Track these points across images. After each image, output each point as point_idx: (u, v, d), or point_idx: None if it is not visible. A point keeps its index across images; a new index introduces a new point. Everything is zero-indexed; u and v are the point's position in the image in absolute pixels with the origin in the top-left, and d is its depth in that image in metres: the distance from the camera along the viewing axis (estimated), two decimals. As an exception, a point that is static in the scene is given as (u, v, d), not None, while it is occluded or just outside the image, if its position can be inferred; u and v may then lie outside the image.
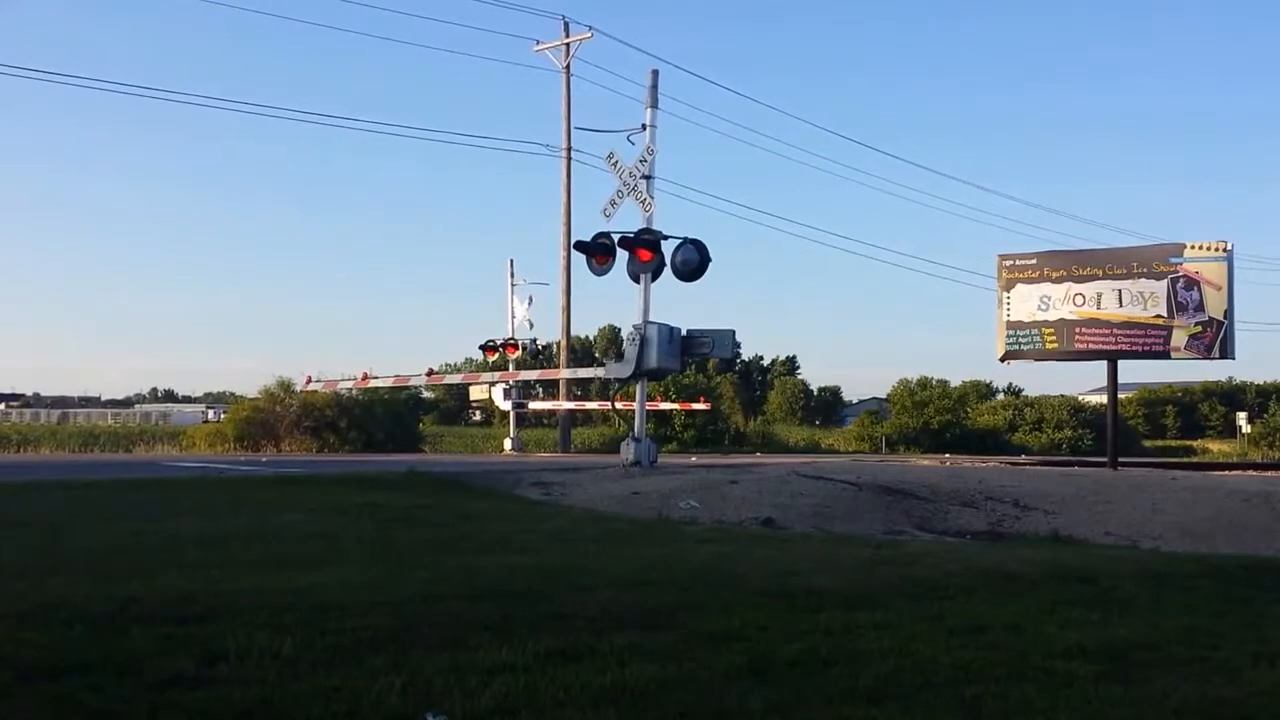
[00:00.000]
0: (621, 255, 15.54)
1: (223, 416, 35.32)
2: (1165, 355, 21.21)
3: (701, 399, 33.32)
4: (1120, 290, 21.26)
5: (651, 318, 15.18)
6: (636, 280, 15.37)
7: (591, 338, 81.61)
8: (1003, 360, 22.70)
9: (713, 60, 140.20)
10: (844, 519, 10.18)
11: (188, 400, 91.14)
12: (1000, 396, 68.27)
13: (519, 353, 26.30)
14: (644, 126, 15.81)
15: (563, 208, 29.38)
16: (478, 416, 52.82)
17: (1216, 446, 62.20)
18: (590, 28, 29.40)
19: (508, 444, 27.47)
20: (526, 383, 28.86)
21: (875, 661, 3.88)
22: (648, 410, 16.43)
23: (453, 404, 55.01)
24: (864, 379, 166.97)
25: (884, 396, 59.34)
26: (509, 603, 4.75)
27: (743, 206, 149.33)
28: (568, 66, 29.52)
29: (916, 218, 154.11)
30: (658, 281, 15.38)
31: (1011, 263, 22.55)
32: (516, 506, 10.21)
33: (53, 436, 32.37)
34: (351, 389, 26.45)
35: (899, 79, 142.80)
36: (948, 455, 33.69)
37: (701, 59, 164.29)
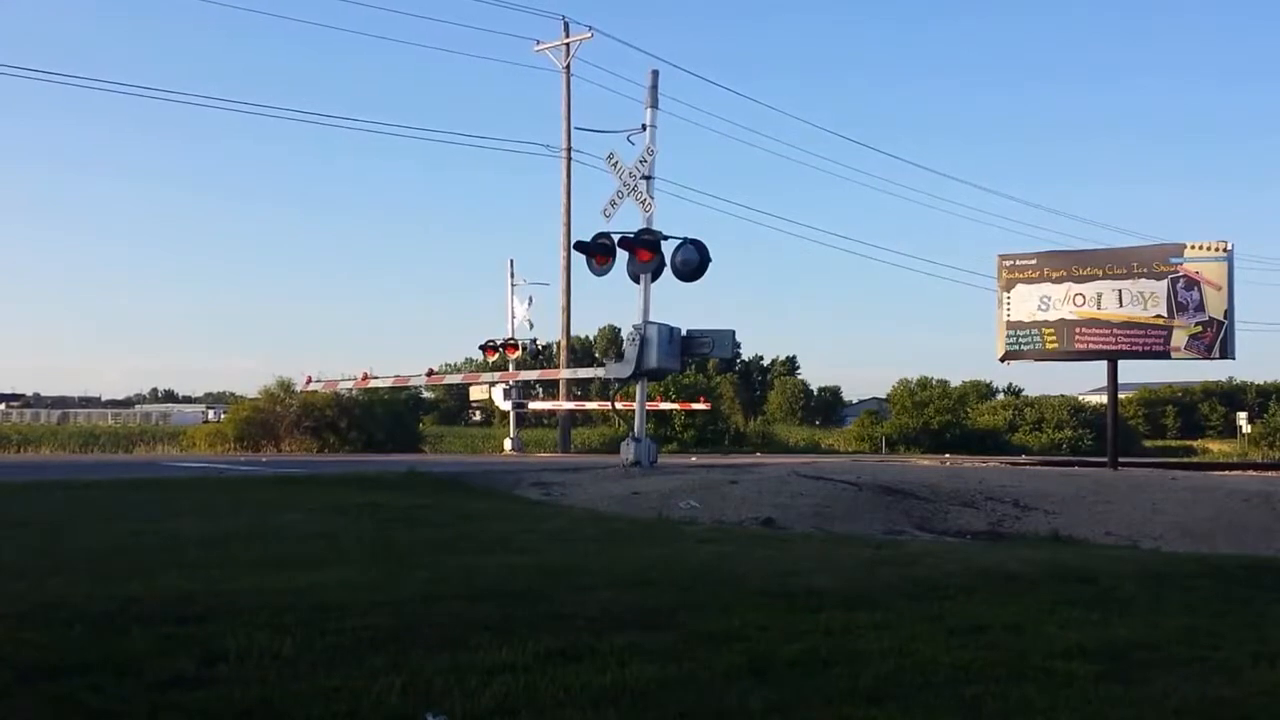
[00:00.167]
0: (621, 255, 15.54)
1: (223, 417, 35.33)
2: (1165, 355, 21.21)
3: (701, 399, 33.32)
4: (1120, 290, 21.26)
5: (651, 318, 15.18)
6: (636, 280, 15.37)
7: (591, 338, 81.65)
8: (1003, 360, 22.70)
9: (713, 60, 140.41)
10: (844, 519, 10.18)
11: (188, 400, 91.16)
12: (1000, 396, 68.27)
13: (519, 353, 26.28)
14: (644, 127, 15.81)
15: (563, 208, 29.41)
16: (478, 416, 52.84)
17: (1217, 446, 62.21)
18: (590, 28, 29.46)
19: (508, 444, 27.47)
20: (526, 383, 28.85)
21: (875, 661, 3.88)
22: (648, 410, 16.42)
23: (453, 404, 55.03)
24: (864, 379, 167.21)
25: (884, 396, 59.38)
26: (509, 603, 4.75)
27: (743, 206, 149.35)
28: (568, 67, 29.55)
29: (916, 218, 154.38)
30: (658, 281, 15.39)
31: (1011, 263, 22.56)
32: (516, 506, 10.20)
33: (53, 437, 32.40)
34: (351, 389, 26.45)
35: (899, 79, 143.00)
36: (948, 455, 33.69)
37: (701, 59, 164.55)
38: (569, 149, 29.28)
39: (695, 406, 32.75)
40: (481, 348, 27.37)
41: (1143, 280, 21.10)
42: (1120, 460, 21.75)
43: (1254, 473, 21.29)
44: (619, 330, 68.91)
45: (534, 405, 30.55)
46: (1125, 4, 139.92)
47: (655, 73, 16.13)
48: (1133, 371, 54.76)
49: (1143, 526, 10.35)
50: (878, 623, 4.55)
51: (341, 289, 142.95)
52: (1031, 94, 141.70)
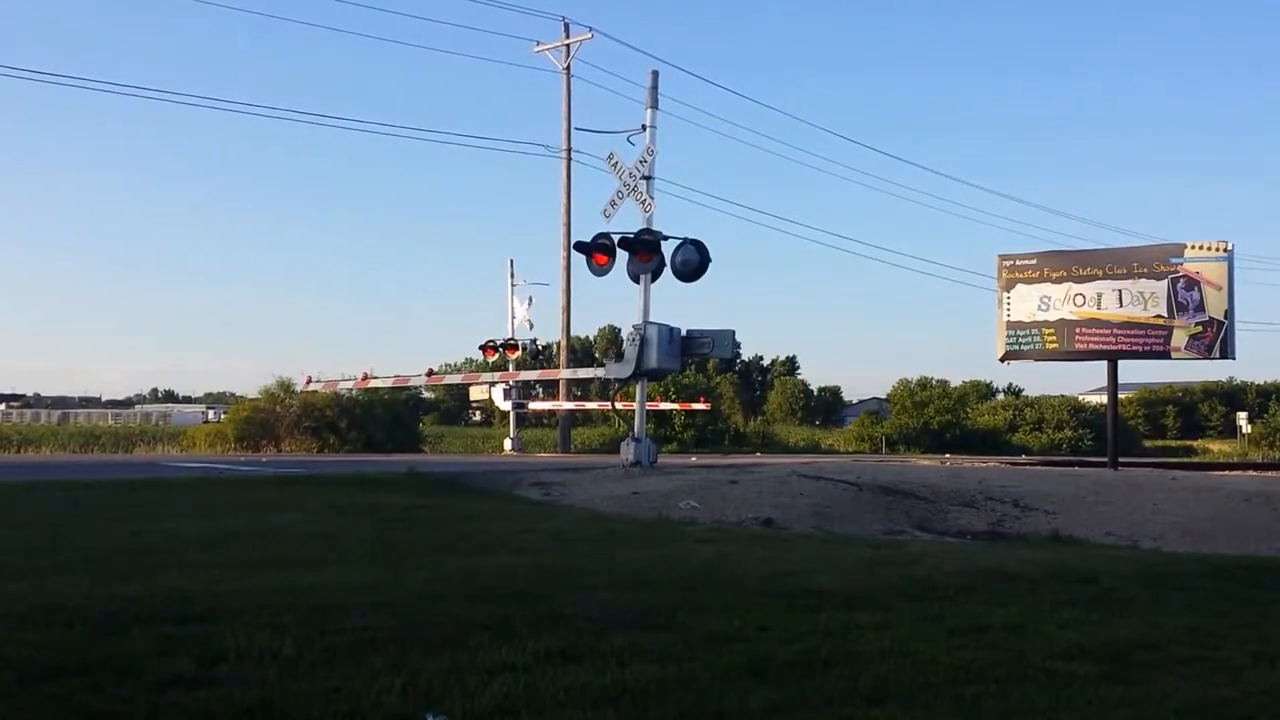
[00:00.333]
0: (621, 255, 15.53)
1: (223, 417, 35.37)
2: (1165, 355, 21.21)
3: (701, 399, 33.34)
4: (1120, 290, 21.25)
5: (651, 318, 15.17)
6: (636, 280, 15.36)
7: (591, 338, 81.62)
8: (1003, 360, 22.70)
9: (713, 60, 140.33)
10: (844, 519, 10.18)
11: (188, 400, 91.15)
12: (1000, 397, 68.27)
13: (519, 353, 26.31)
14: (644, 127, 15.80)
15: (563, 208, 29.42)
16: (478, 417, 52.86)
17: (1217, 446, 62.19)
18: (590, 28, 29.47)
19: (508, 444, 27.48)
20: (526, 383, 28.84)
21: (875, 662, 3.88)
22: (648, 410, 16.42)
23: (453, 404, 55.05)
24: (864, 379, 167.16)
25: (884, 396, 59.42)
26: (509, 603, 4.75)
27: (743, 206, 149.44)
28: (568, 67, 29.56)
29: (916, 218, 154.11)
30: (658, 281, 15.38)
31: (1011, 263, 22.55)
32: (516, 507, 10.21)
33: (53, 437, 32.42)
34: (351, 389, 26.46)
35: (899, 79, 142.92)
36: (948, 455, 33.68)
37: (701, 59, 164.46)
38: (569, 149, 29.32)
39: (695, 406, 32.77)
40: (481, 348, 27.40)
41: (1143, 280, 21.10)
42: (1120, 460, 21.74)
43: (1254, 473, 21.29)
44: (619, 330, 68.87)
45: (534, 405, 30.55)
46: (1126, 4, 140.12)
47: (655, 73, 16.14)
48: (1133, 371, 54.77)
49: (1143, 526, 10.36)
50: (878, 623, 4.55)
51: (341, 289, 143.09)
52: (1031, 94, 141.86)
